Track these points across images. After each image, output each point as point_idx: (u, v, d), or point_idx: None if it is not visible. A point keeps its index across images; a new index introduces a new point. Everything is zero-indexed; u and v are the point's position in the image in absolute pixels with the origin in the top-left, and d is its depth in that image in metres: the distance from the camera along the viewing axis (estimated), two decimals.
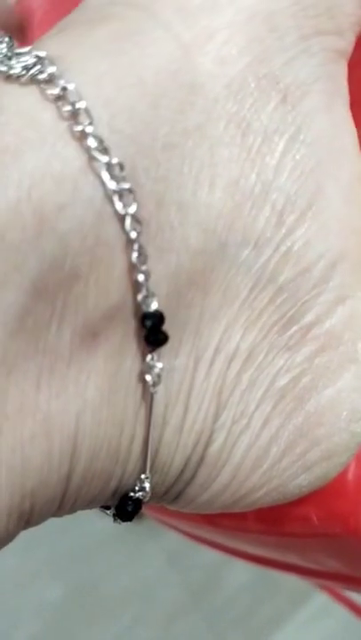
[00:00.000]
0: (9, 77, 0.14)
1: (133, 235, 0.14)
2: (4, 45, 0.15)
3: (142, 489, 0.16)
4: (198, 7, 0.16)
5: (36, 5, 0.43)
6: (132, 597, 0.86)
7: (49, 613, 0.87)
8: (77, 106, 0.14)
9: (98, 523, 0.84)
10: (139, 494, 0.16)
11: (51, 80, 0.14)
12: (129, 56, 0.15)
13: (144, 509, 0.27)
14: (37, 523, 0.15)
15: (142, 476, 0.16)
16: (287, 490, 0.18)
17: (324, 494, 0.21)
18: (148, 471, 0.16)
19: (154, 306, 0.15)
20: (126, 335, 0.15)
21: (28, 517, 0.15)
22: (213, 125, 0.15)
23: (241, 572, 0.82)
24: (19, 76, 0.14)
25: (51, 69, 0.14)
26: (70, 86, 0.14)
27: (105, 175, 0.14)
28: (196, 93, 0.15)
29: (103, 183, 0.14)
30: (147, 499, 0.16)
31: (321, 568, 0.27)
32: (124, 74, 0.15)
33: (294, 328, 0.17)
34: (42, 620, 0.87)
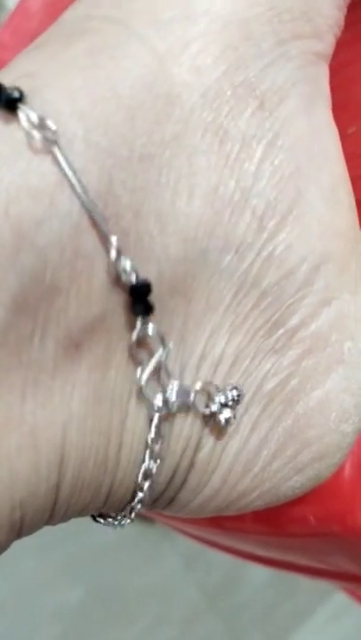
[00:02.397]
0: None
1: (114, 242, 0.14)
2: None
3: (134, 497, 0.16)
4: (172, 18, 0.16)
5: (35, 9, 0.43)
6: (151, 599, 0.86)
7: (68, 615, 0.87)
8: (52, 121, 0.14)
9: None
10: (133, 502, 0.16)
11: (25, 96, 0.14)
12: (104, 70, 0.15)
13: (153, 514, 0.27)
14: (29, 533, 0.16)
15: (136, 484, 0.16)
16: (280, 492, 0.18)
17: (321, 494, 0.21)
18: (140, 479, 0.16)
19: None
20: (109, 345, 0.15)
21: (19, 528, 0.15)
22: (190, 135, 0.16)
23: (258, 573, 0.82)
24: None
25: (25, 86, 0.14)
26: (45, 102, 0.14)
27: (80, 189, 0.14)
28: (172, 104, 0.15)
29: (79, 196, 0.14)
30: (139, 506, 0.17)
31: (328, 567, 0.27)
32: (98, 87, 0.15)
33: (280, 331, 0.17)
34: (61, 622, 0.88)
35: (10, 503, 0.14)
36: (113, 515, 0.17)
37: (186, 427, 0.16)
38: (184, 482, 0.17)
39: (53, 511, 0.15)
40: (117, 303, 0.15)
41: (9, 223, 0.13)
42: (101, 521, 0.17)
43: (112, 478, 0.16)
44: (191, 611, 0.84)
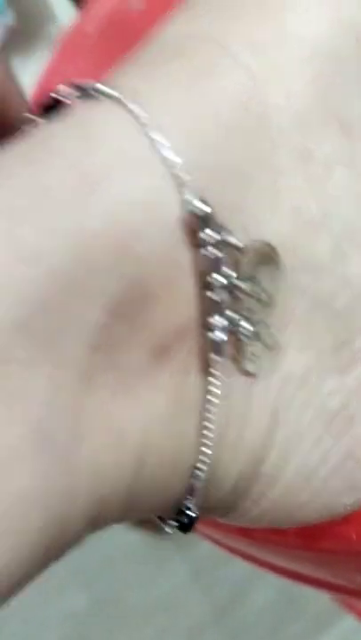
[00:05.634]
0: (93, 108, 0.15)
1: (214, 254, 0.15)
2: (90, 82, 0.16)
3: (192, 504, 0.17)
4: (267, 41, 0.17)
5: (91, 29, 0.44)
6: (156, 611, 0.86)
7: (72, 624, 0.88)
8: (156, 136, 0.15)
9: (125, 535, 0.85)
10: (192, 508, 0.17)
11: (132, 112, 0.15)
12: (204, 88, 0.16)
13: None
14: (100, 529, 0.16)
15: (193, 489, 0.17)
16: (333, 508, 0.19)
17: None
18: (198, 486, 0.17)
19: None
20: (190, 352, 0.16)
21: (95, 523, 0.16)
22: (278, 154, 0.16)
23: (266, 592, 0.82)
24: (102, 107, 0.15)
25: (132, 102, 0.15)
26: (150, 118, 0.15)
27: (180, 200, 0.15)
28: (263, 124, 0.16)
29: (180, 211, 0.15)
30: (196, 512, 0.17)
31: (352, 586, 0.27)
32: (199, 105, 0.16)
33: (347, 351, 0.18)
34: (65, 629, 0.88)
35: (94, 498, 0.15)
36: (174, 518, 0.18)
37: (254, 438, 0.17)
38: (246, 492, 0.18)
39: (126, 509, 0.16)
40: (202, 312, 0.16)
41: (113, 232, 0.14)
42: (164, 524, 0.18)
43: (181, 482, 0.17)
44: (196, 625, 0.84)
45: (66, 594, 0.88)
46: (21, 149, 0.15)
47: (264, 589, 0.82)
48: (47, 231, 0.14)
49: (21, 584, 0.14)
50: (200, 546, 0.84)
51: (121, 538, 0.85)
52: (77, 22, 0.44)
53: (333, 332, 0.17)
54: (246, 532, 0.24)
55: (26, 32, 0.69)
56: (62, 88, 0.17)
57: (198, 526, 0.28)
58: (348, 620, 0.72)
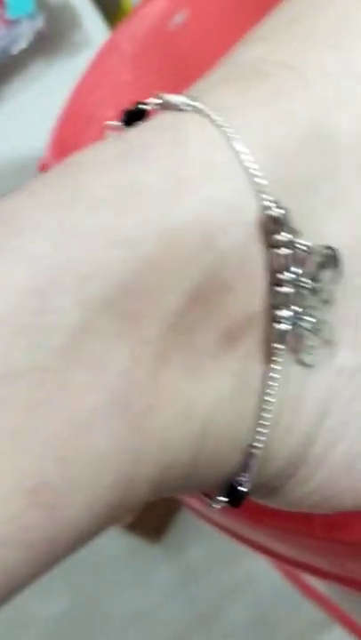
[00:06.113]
0: (182, 118, 0.17)
1: (285, 253, 0.17)
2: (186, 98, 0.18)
3: (246, 481, 0.19)
4: (341, 71, 0.19)
5: (128, 46, 0.46)
6: (137, 618, 0.87)
7: (54, 626, 0.88)
8: (240, 148, 0.17)
9: (111, 541, 0.86)
10: (245, 484, 0.19)
11: (217, 124, 0.17)
12: (281, 108, 0.18)
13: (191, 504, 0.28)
14: (160, 497, 0.18)
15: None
16: None
17: None
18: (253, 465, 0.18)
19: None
20: (256, 341, 0.17)
21: (157, 490, 0.17)
22: (344, 170, 0.18)
23: (250, 602, 0.83)
24: (191, 118, 0.17)
25: (217, 115, 0.17)
26: (237, 132, 0.17)
27: (259, 205, 0.17)
28: (331, 143, 0.18)
29: (258, 214, 0.17)
30: (249, 488, 0.19)
31: None
32: (277, 123, 0.18)
33: None
34: (46, 632, 0.88)
35: (159, 464, 0.16)
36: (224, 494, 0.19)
37: (305, 423, 0.18)
38: (293, 474, 0.19)
39: (185, 480, 0.18)
40: (271, 305, 0.17)
41: (199, 228, 0.16)
42: (210, 500, 0.20)
43: (237, 459, 0.18)
44: (178, 634, 0.84)
45: (49, 596, 0.89)
46: (118, 151, 0.17)
47: (247, 602, 0.83)
48: (139, 222, 0.16)
49: (88, 538, 0.16)
50: (185, 555, 0.85)
51: (107, 543, 0.85)
52: (113, 37, 0.45)
53: None
54: (271, 524, 0.26)
55: (52, 37, 0.71)
56: (148, 100, 0.19)
57: (216, 517, 0.30)
58: (334, 634, 0.74)
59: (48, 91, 0.73)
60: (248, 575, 0.81)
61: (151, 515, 0.81)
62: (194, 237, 0.16)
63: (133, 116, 0.19)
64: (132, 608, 0.87)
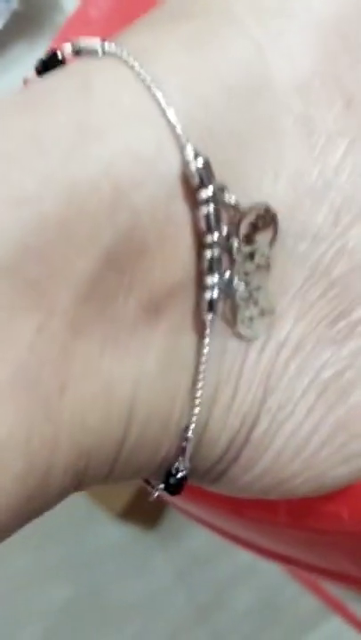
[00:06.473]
0: (94, 62, 0.15)
1: (209, 210, 0.15)
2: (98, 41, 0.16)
3: (183, 466, 0.17)
4: (273, 9, 0.17)
5: (96, 14, 0.44)
6: (138, 609, 0.86)
7: (55, 616, 0.87)
8: (157, 93, 0.15)
9: (112, 530, 0.85)
10: (182, 469, 0.17)
11: (134, 68, 0.15)
12: (207, 50, 0.16)
13: (175, 501, 0.27)
14: (88, 486, 0.16)
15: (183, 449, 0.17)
16: (325, 480, 0.18)
17: (357, 492, 0.21)
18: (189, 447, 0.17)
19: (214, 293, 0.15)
20: (185, 313, 0.16)
21: (81, 478, 0.15)
22: (280, 120, 0.16)
23: (249, 593, 0.81)
24: (103, 63, 0.15)
25: (134, 59, 0.15)
26: (152, 75, 0.15)
27: (179, 157, 0.15)
28: (266, 87, 0.16)
29: (179, 168, 0.15)
30: (185, 472, 0.17)
31: (341, 570, 0.27)
32: (201, 66, 0.16)
33: (342, 323, 0.17)
34: (47, 622, 0.87)
35: (78, 450, 0.15)
36: (160, 482, 0.18)
37: (246, 402, 0.17)
38: (237, 457, 0.17)
39: (114, 467, 0.16)
40: (199, 272, 0.15)
41: (109, 182, 0.14)
42: (151, 487, 0.18)
43: (170, 442, 0.16)
44: (179, 624, 0.83)
45: (50, 585, 0.88)
46: (20, 98, 0.15)
47: (247, 591, 0.82)
48: (41, 177, 0.14)
49: (4, 533, 0.14)
50: (183, 543, 0.84)
51: (108, 532, 0.84)
52: (81, 7, 0.44)
53: (331, 302, 0.17)
54: (237, 510, 0.24)
55: (31, 19, 0.69)
56: (65, 47, 0.17)
57: (192, 509, 0.28)
58: (333, 623, 0.72)
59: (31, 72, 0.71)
60: (248, 564, 0.80)
61: (145, 502, 0.80)
62: (103, 193, 0.14)
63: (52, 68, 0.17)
64: (134, 599, 0.86)
